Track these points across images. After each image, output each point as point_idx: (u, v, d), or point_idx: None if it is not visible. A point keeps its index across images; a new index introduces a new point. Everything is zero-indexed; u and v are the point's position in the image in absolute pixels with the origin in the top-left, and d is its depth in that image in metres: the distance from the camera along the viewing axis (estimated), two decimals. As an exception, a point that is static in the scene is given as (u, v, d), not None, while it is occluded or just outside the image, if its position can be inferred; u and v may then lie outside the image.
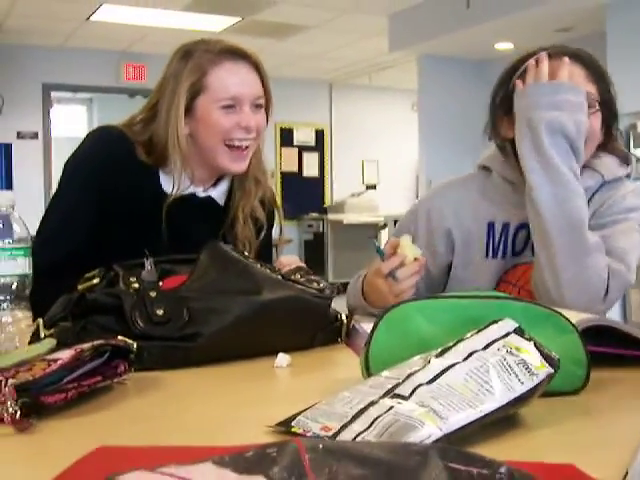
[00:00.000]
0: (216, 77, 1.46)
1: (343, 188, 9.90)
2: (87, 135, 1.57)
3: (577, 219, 1.36)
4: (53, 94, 8.22)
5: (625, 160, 1.56)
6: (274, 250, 1.74)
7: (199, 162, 1.52)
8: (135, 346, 0.94)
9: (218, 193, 1.59)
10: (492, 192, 1.57)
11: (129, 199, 1.49)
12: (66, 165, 1.53)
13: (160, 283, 1.12)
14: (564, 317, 0.92)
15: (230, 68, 1.48)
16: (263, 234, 1.63)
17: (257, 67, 1.52)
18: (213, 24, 6.97)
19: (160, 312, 1.07)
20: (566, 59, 1.44)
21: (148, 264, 1.13)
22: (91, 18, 6.81)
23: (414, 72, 7.51)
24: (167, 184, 1.52)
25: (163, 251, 1.25)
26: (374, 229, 9.12)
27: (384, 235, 8.64)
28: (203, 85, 1.46)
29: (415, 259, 1.36)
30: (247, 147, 1.51)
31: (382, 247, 1.41)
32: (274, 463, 0.44)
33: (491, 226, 1.54)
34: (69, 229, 1.47)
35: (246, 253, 1.35)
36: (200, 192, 1.56)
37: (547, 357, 0.78)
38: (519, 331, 0.80)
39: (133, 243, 1.40)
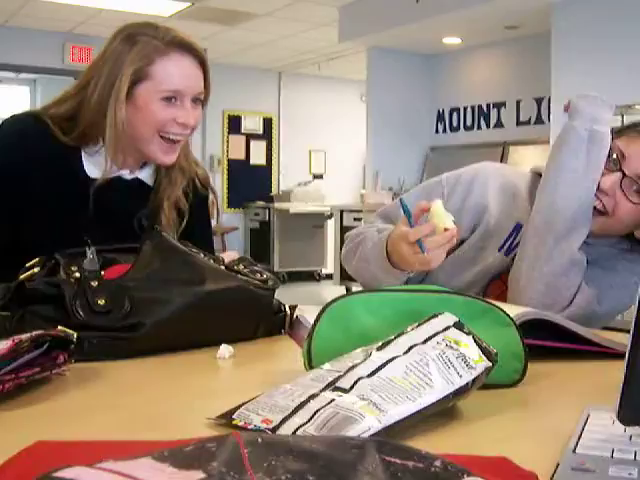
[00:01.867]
0: (162, 67, 1.43)
1: (290, 177, 9.90)
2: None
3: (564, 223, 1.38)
4: (-2, 73, 8.01)
5: None
6: (220, 239, 1.72)
7: (128, 148, 1.49)
8: (75, 336, 0.93)
9: (146, 175, 1.57)
10: (534, 196, 1.49)
11: (50, 185, 1.46)
12: None
13: (102, 272, 1.11)
14: (502, 311, 0.94)
15: (177, 60, 1.45)
16: (191, 218, 1.59)
17: (202, 63, 1.50)
18: (162, 8, 6.87)
19: (101, 302, 1.05)
20: None
21: (90, 253, 1.11)
22: (36, -3, 6.65)
23: (363, 63, 7.55)
24: (90, 166, 1.49)
25: (90, 235, 1.20)
26: (320, 219, 9.15)
27: (330, 225, 8.68)
28: (147, 73, 1.43)
29: (445, 229, 1.26)
30: (179, 141, 1.49)
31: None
32: (213, 457, 0.45)
33: (518, 227, 1.50)
34: None
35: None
36: (126, 174, 1.54)
37: (485, 351, 0.80)
38: (458, 325, 0.82)
39: (58, 228, 1.42)
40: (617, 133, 1.42)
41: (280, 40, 8.09)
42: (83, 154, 1.49)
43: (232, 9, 6.89)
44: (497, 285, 1.51)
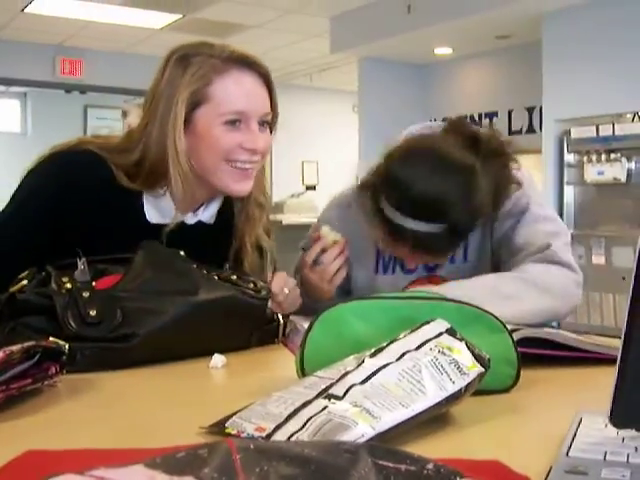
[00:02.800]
0: (221, 87, 1.28)
1: (283, 189, 9.89)
2: (54, 154, 1.34)
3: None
4: (-14, 88, 8.00)
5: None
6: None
7: (198, 182, 1.33)
8: (67, 347, 0.93)
9: (207, 216, 1.42)
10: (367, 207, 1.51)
11: (105, 230, 1.30)
12: (25, 180, 1.33)
13: (93, 283, 1.11)
14: (495, 317, 0.94)
15: (238, 78, 1.30)
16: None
17: (266, 79, 1.36)
18: (153, 21, 6.88)
19: (93, 312, 1.05)
20: None
21: (81, 264, 1.10)
22: (26, 10, 6.64)
23: (355, 74, 7.56)
24: (152, 210, 1.34)
25: None
26: (314, 230, 9.13)
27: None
28: (205, 95, 1.27)
29: (334, 242, 1.42)
30: (252, 167, 1.34)
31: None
32: (205, 464, 0.44)
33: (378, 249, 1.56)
34: (16, 254, 1.27)
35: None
36: (189, 218, 1.39)
37: (478, 357, 0.80)
38: (451, 331, 0.82)
39: None
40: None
41: (271, 51, 8.10)
42: (145, 199, 1.34)
43: (223, 21, 6.91)
44: (421, 282, 1.53)
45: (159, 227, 1.33)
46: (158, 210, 1.35)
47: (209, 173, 1.32)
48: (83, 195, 1.30)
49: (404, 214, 1.32)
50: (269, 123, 1.37)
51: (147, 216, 1.35)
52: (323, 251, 1.46)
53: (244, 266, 1.42)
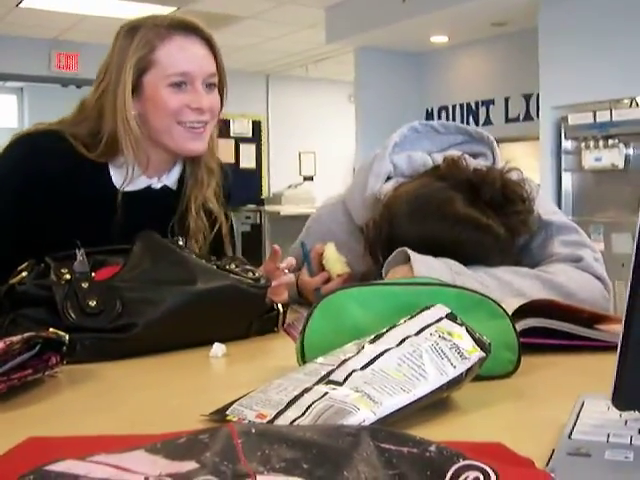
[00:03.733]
0: (165, 51, 1.36)
1: (280, 180, 9.88)
2: (16, 141, 1.41)
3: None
4: (-17, 81, 7.96)
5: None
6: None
7: (152, 145, 1.40)
8: (67, 338, 0.93)
9: (172, 181, 1.49)
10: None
11: (77, 200, 1.38)
12: None
13: (93, 274, 1.10)
14: (495, 302, 0.94)
15: (181, 42, 1.37)
16: (217, 226, 1.53)
17: (210, 43, 1.42)
18: (148, 13, 6.85)
19: (92, 303, 1.05)
20: None
21: (79, 255, 1.10)
22: (21, 5, 6.61)
23: (351, 64, 7.54)
24: (118, 177, 1.41)
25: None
26: (312, 221, 9.11)
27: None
28: (151, 60, 1.35)
29: (338, 275, 1.43)
30: (204, 126, 1.40)
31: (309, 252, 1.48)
32: (206, 448, 0.44)
33: None
34: None
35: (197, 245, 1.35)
36: (155, 183, 1.46)
37: (478, 341, 0.79)
38: (451, 316, 0.82)
39: (89, 243, 1.28)
40: None
41: (267, 42, 8.09)
42: (111, 168, 1.41)
43: (218, 12, 6.88)
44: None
45: (129, 194, 1.41)
46: (122, 177, 1.40)
47: (162, 135, 1.39)
48: (49, 172, 1.37)
49: None
50: (216, 85, 1.44)
51: (115, 183, 1.41)
52: (322, 267, 1.47)
53: (190, 229, 1.46)
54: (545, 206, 1.44)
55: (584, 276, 1.34)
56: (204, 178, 1.49)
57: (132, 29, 1.39)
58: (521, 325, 1.01)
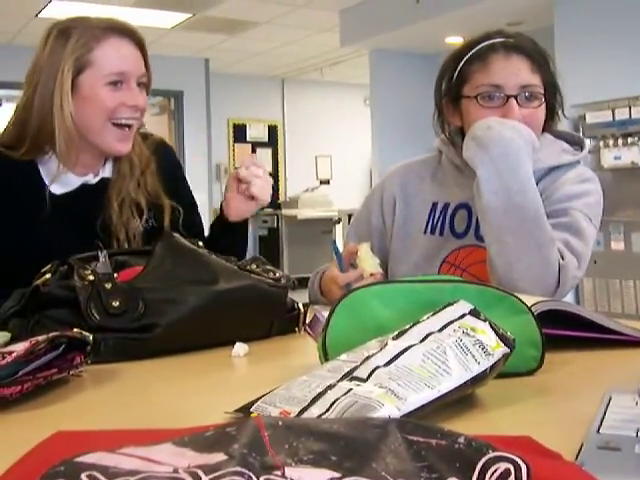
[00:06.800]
0: (102, 52, 1.43)
1: (297, 183, 9.90)
2: None
3: (531, 210, 1.33)
4: (1, 92, 8.02)
5: (576, 144, 1.58)
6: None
7: (82, 145, 1.47)
8: (91, 338, 0.93)
9: (108, 172, 1.55)
10: (441, 174, 1.62)
11: (8, 202, 1.44)
12: None
13: (115, 275, 1.11)
14: (519, 299, 0.94)
15: (116, 44, 1.45)
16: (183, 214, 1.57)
17: (141, 45, 1.49)
18: (164, 20, 6.89)
19: (116, 304, 1.06)
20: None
21: (102, 256, 1.11)
22: (40, 15, 6.67)
23: (366, 67, 7.54)
24: (47, 175, 1.47)
25: (60, 246, 1.23)
26: (328, 224, 9.13)
27: (338, 230, 8.66)
28: (88, 61, 1.42)
29: (371, 274, 1.42)
30: (131, 126, 1.48)
31: (340, 249, 1.47)
32: (234, 440, 0.44)
33: (434, 206, 1.58)
34: None
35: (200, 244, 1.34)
36: (91, 179, 1.52)
37: (502, 337, 0.79)
38: (474, 312, 0.81)
39: (25, 244, 1.41)
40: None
41: (282, 47, 8.10)
42: (40, 166, 1.47)
43: (233, 18, 6.91)
44: (445, 270, 1.53)
45: (64, 195, 1.47)
46: (51, 173, 1.46)
47: (94, 134, 1.45)
48: None
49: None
50: (145, 85, 1.51)
51: (45, 180, 1.47)
52: (352, 265, 1.47)
53: (110, 219, 1.49)
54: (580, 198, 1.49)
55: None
56: (126, 170, 1.54)
57: (64, 30, 1.44)
58: (539, 307, 0.99)
